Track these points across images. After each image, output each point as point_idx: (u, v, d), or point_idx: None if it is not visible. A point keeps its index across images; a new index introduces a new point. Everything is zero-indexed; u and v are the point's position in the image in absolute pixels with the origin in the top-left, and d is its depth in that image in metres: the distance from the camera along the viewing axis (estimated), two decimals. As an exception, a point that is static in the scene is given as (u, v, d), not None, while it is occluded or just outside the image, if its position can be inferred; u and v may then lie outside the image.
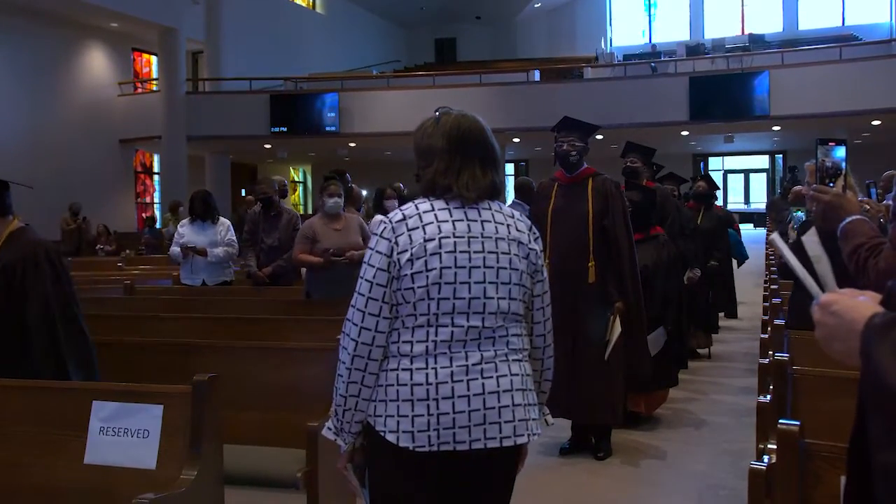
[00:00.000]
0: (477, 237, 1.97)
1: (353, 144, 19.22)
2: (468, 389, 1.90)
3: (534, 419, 2.00)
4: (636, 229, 5.08)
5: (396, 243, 1.94)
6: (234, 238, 6.63)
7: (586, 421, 4.67)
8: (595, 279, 4.41)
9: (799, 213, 5.46)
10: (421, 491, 1.94)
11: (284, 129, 18.13)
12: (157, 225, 15.11)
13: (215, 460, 2.63)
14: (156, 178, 20.80)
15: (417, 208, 1.99)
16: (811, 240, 1.31)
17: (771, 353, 3.72)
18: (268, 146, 19.53)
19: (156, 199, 20.61)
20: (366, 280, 1.95)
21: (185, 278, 6.61)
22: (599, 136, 17.76)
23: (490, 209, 2.03)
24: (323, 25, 24.14)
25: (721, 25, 25.56)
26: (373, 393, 1.95)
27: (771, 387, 3.24)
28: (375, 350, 1.93)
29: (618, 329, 4.40)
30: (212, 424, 2.60)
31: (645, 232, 5.14)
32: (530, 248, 2.04)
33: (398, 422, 1.90)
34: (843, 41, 19.07)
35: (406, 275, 1.92)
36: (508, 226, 2.03)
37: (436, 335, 1.91)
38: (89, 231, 14.80)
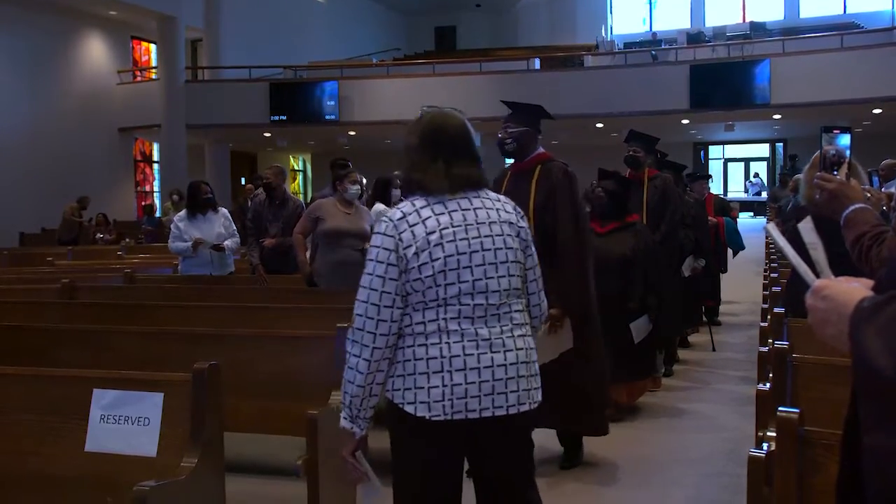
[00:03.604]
0: (473, 225, 2.16)
1: (352, 133, 19.17)
2: (478, 362, 2.09)
3: (535, 388, 2.20)
4: (611, 218, 5.01)
5: (401, 240, 2.11)
6: (235, 227, 6.62)
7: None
8: None
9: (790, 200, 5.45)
10: (443, 457, 2.14)
11: (284, 118, 18.07)
12: (157, 213, 15.08)
13: (216, 448, 2.64)
14: (155, 166, 20.76)
15: (414, 205, 2.16)
16: (807, 227, 1.32)
17: (770, 340, 3.71)
18: (267, 134, 19.48)
19: (155, 188, 20.58)
20: (377, 276, 2.11)
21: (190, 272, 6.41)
22: (600, 125, 17.71)
23: (479, 197, 2.22)
24: (322, 13, 24.02)
25: (722, 13, 25.43)
26: (387, 373, 2.13)
27: (770, 374, 3.24)
28: (392, 338, 2.11)
29: (551, 339, 3.66)
30: (212, 412, 2.61)
31: (620, 220, 5.11)
32: (520, 226, 2.26)
33: (415, 394, 2.08)
34: (844, 29, 18.98)
35: (413, 267, 2.09)
36: (497, 210, 2.22)
37: (445, 314, 2.10)
38: (89, 228, 14.75)
